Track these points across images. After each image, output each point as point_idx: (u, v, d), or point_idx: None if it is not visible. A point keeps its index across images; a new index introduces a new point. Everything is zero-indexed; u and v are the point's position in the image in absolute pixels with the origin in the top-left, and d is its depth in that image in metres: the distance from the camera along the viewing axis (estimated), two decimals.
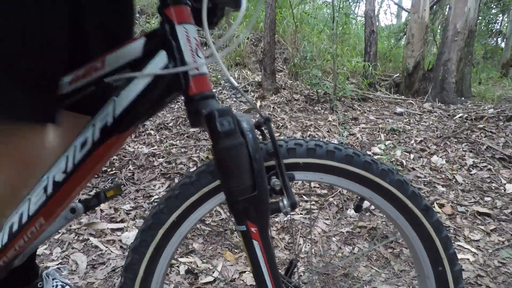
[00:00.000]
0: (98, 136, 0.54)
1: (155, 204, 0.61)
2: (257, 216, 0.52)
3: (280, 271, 0.66)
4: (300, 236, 1.56)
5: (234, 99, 3.38)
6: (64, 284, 0.98)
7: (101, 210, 1.68)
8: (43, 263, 1.29)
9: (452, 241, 1.57)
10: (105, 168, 2.09)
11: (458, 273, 0.59)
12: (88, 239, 1.45)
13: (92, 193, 1.86)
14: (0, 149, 0.52)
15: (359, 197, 0.61)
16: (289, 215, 0.58)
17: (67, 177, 0.55)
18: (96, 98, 0.56)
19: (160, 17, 0.53)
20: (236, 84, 0.54)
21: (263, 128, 0.58)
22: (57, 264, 1.28)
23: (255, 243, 0.53)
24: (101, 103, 0.55)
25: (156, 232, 0.58)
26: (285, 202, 0.53)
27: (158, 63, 0.52)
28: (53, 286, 0.95)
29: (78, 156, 0.55)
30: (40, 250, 1.36)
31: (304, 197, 1.93)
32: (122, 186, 1.94)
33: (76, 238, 1.46)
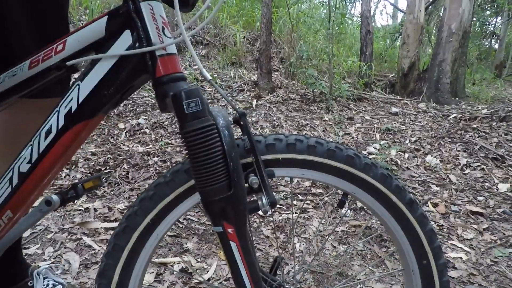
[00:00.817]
0: (63, 123, 0.51)
1: (129, 206, 0.59)
2: (233, 216, 0.50)
3: (265, 269, 0.65)
4: (295, 235, 1.56)
5: (230, 98, 3.37)
6: (56, 283, 0.97)
7: (95, 209, 1.66)
8: (35, 263, 1.28)
9: (446, 240, 1.59)
10: (99, 167, 2.08)
11: (442, 267, 0.59)
12: (81, 238, 1.44)
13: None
14: None
15: (342, 193, 0.60)
16: (269, 213, 0.55)
17: (32, 167, 0.52)
18: (62, 83, 0.54)
19: None
20: (209, 76, 0.50)
21: (242, 124, 0.54)
22: (50, 264, 1.27)
23: (232, 244, 0.51)
24: (67, 88, 0.52)
25: (130, 236, 0.55)
26: (263, 200, 0.50)
27: (123, 44, 0.49)
28: (44, 285, 0.93)
29: (42, 145, 0.52)
30: (32, 250, 1.35)
31: (299, 196, 1.94)
32: (116, 184, 1.92)
33: (69, 237, 1.45)
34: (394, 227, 0.58)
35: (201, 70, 0.49)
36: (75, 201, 0.70)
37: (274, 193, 0.51)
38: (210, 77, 0.50)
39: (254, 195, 0.53)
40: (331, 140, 0.56)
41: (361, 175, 0.56)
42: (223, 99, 3.32)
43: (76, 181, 0.66)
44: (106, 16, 0.50)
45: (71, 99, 0.51)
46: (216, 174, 0.47)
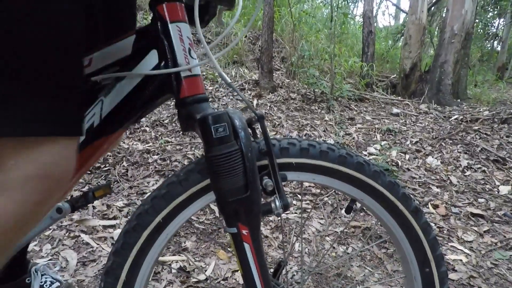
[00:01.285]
0: (84, 137, 0.51)
1: (139, 204, 0.59)
2: (248, 218, 0.50)
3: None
4: (294, 236, 1.55)
5: (231, 97, 3.36)
6: (54, 280, 0.96)
7: (93, 207, 1.65)
8: (32, 259, 1.27)
9: (446, 242, 1.58)
10: (99, 165, 2.07)
11: (444, 274, 0.60)
12: (79, 235, 1.43)
13: (85, 189, 1.84)
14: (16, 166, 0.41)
15: (350, 198, 0.60)
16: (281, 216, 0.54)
17: None
18: (84, 98, 0.53)
19: (152, 14, 0.50)
20: (229, 81, 0.52)
21: (254, 126, 0.56)
22: (47, 261, 1.26)
23: (246, 245, 0.51)
24: (89, 103, 0.52)
25: (140, 234, 0.55)
26: (277, 203, 0.51)
27: (149, 63, 0.50)
28: (41, 282, 0.93)
29: None
30: (30, 246, 1.34)
31: (298, 195, 1.93)
32: (115, 182, 1.91)
33: (67, 234, 1.44)
34: (399, 234, 0.59)
35: (223, 76, 0.50)
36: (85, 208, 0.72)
37: (287, 197, 0.51)
38: (229, 81, 0.51)
39: (266, 197, 0.53)
40: (343, 146, 0.57)
41: (370, 182, 0.57)
42: (224, 97, 3.31)
43: (87, 189, 0.68)
44: (134, 35, 0.51)
45: (94, 114, 0.51)
46: (234, 175, 0.48)
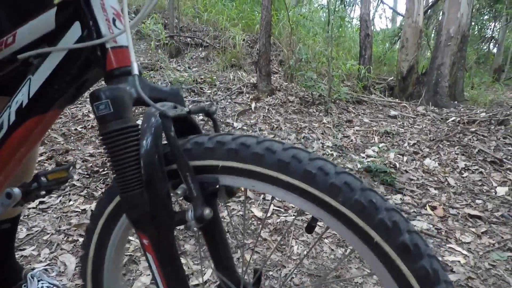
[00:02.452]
0: (14, 118, 0.49)
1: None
2: (148, 228, 0.44)
3: (247, 280, 0.59)
4: (292, 238, 1.56)
5: (229, 100, 3.37)
6: (51, 285, 0.96)
7: (92, 211, 1.65)
8: (30, 264, 1.27)
9: (444, 244, 1.58)
10: (97, 169, 2.07)
11: None
12: (78, 240, 1.43)
13: (85, 192, 1.84)
14: None
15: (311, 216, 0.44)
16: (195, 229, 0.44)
17: None
18: (15, 78, 0.51)
19: None
20: (136, 71, 0.45)
21: (214, 117, 0.50)
22: (45, 265, 1.26)
23: (149, 256, 0.46)
24: (20, 83, 0.50)
25: (97, 223, 0.54)
26: (189, 214, 0.42)
27: (72, 36, 0.46)
28: (38, 287, 0.92)
29: None
30: (27, 251, 1.34)
31: None
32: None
33: (65, 239, 1.44)
34: (384, 276, 0.39)
35: (133, 62, 0.45)
36: (42, 194, 0.63)
37: (204, 207, 0.42)
38: (137, 72, 0.45)
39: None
40: (293, 145, 0.44)
41: (326, 198, 0.39)
42: (222, 100, 3.32)
43: (40, 171, 0.62)
44: (55, 7, 0.48)
45: (22, 94, 0.49)
46: (127, 180, 0.43)
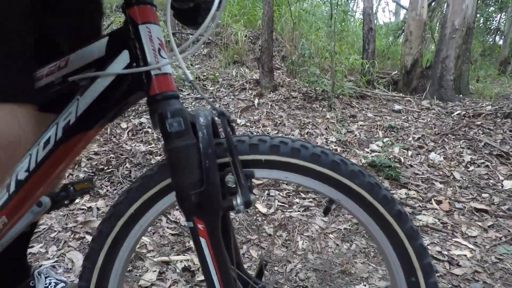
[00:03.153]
0: (61, 135, 0.54)
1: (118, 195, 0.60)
2: (205, 213, 0.50)
3: (250, 271, 0.65)
4: (297, 234, 1.56)
5: (232, 96, 3.37)
6: (59, 282, 0.97)
7: (98, 208, 1.67)
8: (38, 261, 1.29)
9: (450, 238, 1.57)
10: (102, 167, 2.08)
11: (432, 286, 0.54)
12: (85, 237, 1.44)
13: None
14: None
15: (328, 199, 0.57)
16: (241, 212, 0.56)
17: (29, 175, 0.55)
18: (62, 98, 0.56)
19: (124, 17, 0.53)
20: (191, 79, 0.53)
21: (232, 124, 0.56)
22: (53, 262, 1.28)
23: (202, 240, 0.51)
24: (66, 102, 0.55)
25: (115, 224, 0.57)
26: (238, 200, 0.50)
27: (121, 63, 0.52)
28: (46, 284, 0.94)
29: (40, 155, 0.54)
30: (35, 249, 1.35)
31: (301, 194, 1.93)
32: (119, 184, 1.93)
33: (72, 236, 1.45)
34: (382, 239, 0.55)
35: (186, 74, 0.52)
36: (66, 202, 0.71)
37: (250, 194, 0.50)
38: (191, 78, 0.53)
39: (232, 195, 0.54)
40: (319, 145, 0.55)
41: (346, 181, 0.54)
42: (225, 97, 3.32)
43: (67, 182, 0.68)
44: (107, 37, 0.54)
45: (70, 113, 0.54)
46: (189, 169, 0.49)
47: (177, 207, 1.41)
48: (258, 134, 0.56)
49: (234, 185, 0.51)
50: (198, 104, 3.12)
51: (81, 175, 2.00)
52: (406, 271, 0.55)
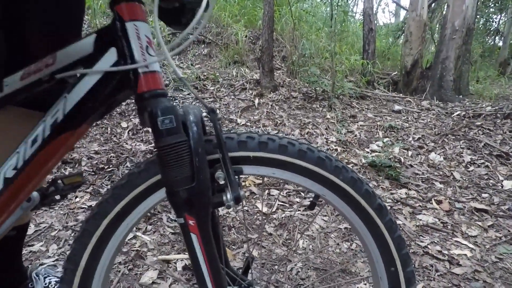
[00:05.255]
0: (49, 132, 0.54)
1: (103, 194, 0.59)
2: (195, 209, 0.51)
3: (237, 268, 0.65)
4: (298, 233, 1.56)
5: (232, 96, 3.37)
6: (59, 279, 0.97)
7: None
8: (39, 260, 1.29)
9: (450, 237, 1.58)
10: (102, 166, 2.08)
11: (410, 274, 0.58)
12: None
13: (90, 189, 1.85)
14: None
15: (313, 194, 0.59)
16: (231, 208, 0.58)
17: (17, 173, 0.55)
18: (49, 95, 0.56)
19: (112, 14, 0.52)
20: (181, 75, 0.53)
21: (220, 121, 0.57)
22: (53, 261, 1.28)
23: (193, 236, 0.52)
24: (54, 100, 0.54)
25: (100, 222, 0.56)
26: (228, 195, 0.51)
27: (108, 60, 0.52)
28: (45, 284, 0.93)
29: (28, 153, 0.54)
30: (36, 247, 1.35)
31: (302, 193, 1.93)
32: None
33: (72, 235, 1.45)
34: (363, 231, 0.58)
35: (176, 71, 0.52)
36: (57, 198, 0.70)
37: (239, 189, 0.51)
38: (181, 75, 0.53)
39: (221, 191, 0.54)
40: (305, 142, 0.57)
41: (331, 177, 0.56)
42: (225, 97, 3.32)
43: (56, 176, 0.67)
44: (95, 34, 0.53)
45: (58, 110, 0.54)
46: (180, 166, 0.49)
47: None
48: (246, 131, 0.56)
49: (224, 181, 0.52)
50: (198, 103, 3.12)
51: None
52: (386, 261, 0.58)
